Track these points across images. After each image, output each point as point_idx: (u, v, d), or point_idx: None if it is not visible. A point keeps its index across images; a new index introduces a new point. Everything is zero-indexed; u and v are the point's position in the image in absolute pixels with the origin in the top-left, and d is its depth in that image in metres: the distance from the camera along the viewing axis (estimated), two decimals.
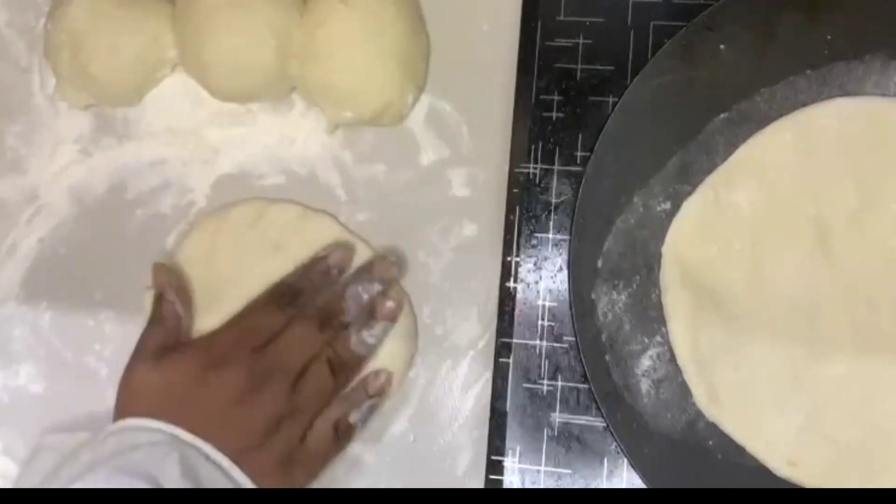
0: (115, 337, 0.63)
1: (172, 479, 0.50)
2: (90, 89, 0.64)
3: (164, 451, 0.52)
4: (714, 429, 0.55)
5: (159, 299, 0.60)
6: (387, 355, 0.60)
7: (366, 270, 0.60)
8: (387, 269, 0.60)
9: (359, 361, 0.59)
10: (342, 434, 0.58)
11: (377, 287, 0.59)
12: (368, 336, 0.59)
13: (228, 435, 0.54)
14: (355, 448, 0.60)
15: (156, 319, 0.59)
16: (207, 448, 0.53)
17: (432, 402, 0.60)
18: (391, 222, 0.63)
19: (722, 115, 0.57)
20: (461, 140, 0.63)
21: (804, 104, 0.57)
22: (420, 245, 0.62)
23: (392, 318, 0.59)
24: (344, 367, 0.58)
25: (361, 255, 0.62)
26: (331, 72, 0.61)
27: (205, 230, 0.63)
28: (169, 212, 0.65)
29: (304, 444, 0.56)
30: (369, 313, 0.59)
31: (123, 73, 0.63)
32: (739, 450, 0.55)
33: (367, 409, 0.58)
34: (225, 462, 0.53)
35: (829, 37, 0.56)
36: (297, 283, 0.60)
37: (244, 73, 0.62)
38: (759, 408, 0.55)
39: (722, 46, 0.55)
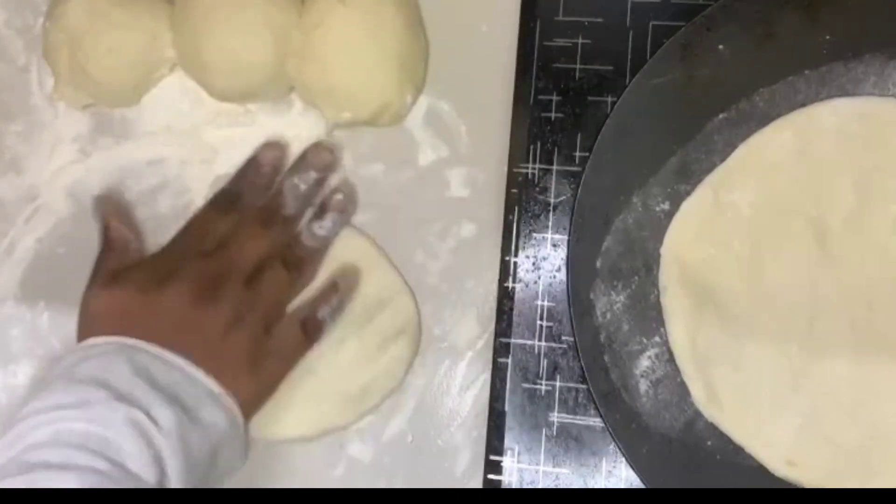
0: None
1: (123, 378, 0.50)
2: (88, 89, 0.64)
3: (111, 358, 0.52)
4: (713, 429, 0.55)
5: (107, 226, 0.61)
6: (387, 357, 0.60)
7: (299, 160, 0.61)
8: (319, 155, 0.61)
9: (312, 254, 0.60)
10: (312, 330, 0.58)
11: (313, 175, 0.60)
12: (318, 228, 0.59)
13: (186, 338, 0.54)
14: (354, 448, 0.60)
15: (106, 246, 0.60)
16: (156, 349, 0.53)
17: (431, 402, 0.60)
18: (390, 222, 0.62)
19: (721, 115, 0.57)
20: (460, 140, 0.63)
21: (803, 104, 0.57)
22: (418, 245, 0.62)
23: (341, 210, 0.60)
24: (298, 261, 0.59)
25: (360, 248, 0.61)
26: (329, 72, 0.61)
27: None
28: (167, 212, 0.64)
29: (270, 338, 0.57)
30: (321, 206, 0.60)
31: (122, 73, 0.63)
32: (738, 450, 0.55)
33: (336, 304, 0.59)
34: (179, 360, 0.53)
35: (828, 37, 0.56)
36: (233, 187, 0.61)
37: (243, 73, 0.62)
38: (758, 408, 0.55)
39: (721, 46, 0.55)
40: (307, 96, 0.63)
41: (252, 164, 0.62)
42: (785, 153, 0.57)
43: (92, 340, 0.54)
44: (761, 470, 0.54)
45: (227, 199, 0.60)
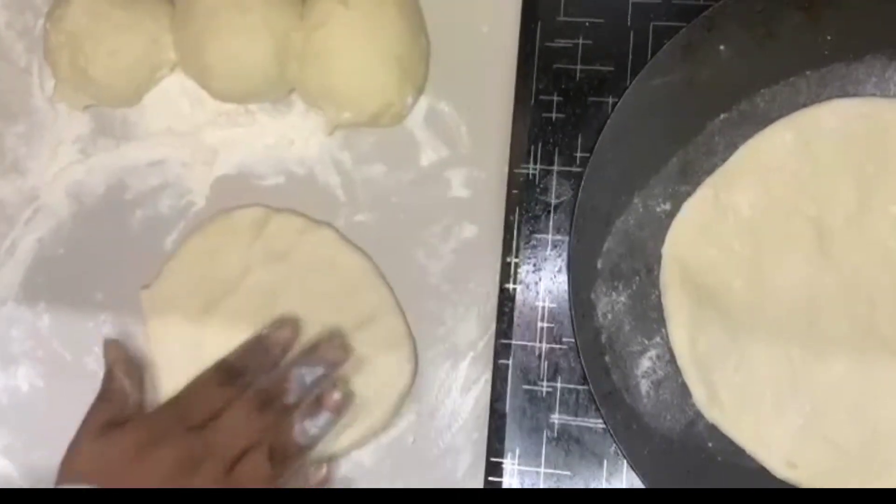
0: (114, 337, 0.63)
1: None
2: (89, 90, 0.64)
3: None
4: (714, 430, 0.55)
5: (109, 375, 0.60)
6: (380, 383, 0.59)
7: (311, 351, 0.59)
8: (332, 351, 0.59)
9: (300, 451, 0.57)
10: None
11: (321, 370, 0.58)
12: (312, 426, 0.57)
13: None
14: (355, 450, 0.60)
15: (103, 395, 0.59)
16: None
17: (432, 403, 0.60)
18: (390, 223, 0.62)
19: (722, 116, 0.57)
20: (460, 141, 0.63)
21: (804, 105, 0.57)
22: (419, 246, 0.62)
23: (337, 411, 0.57)
24: (284, 456, 0.56)
25: (357, 267, 0.61)
26: (330, 73, 0.61)
27: (205, 233, 0.63)
28: (168, 212, 0.64)
29: None
30: (316, 401, 0.57)
31: (122, 74, 0.63)
32: (739, 451, 0.55)
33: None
34: None
35: (829, 37, 0.55)
36: (237, 362, 0.59)
37: (243, 75, 0.62)
38: (759, 409, 0.55)
39: (722, 47, 0.55)
40: (308, 97, 0.63)
41: (261, 343, 0.59)
42: (786, 154, 0.57)
43: (70, 485, 0.54)
44: (762, 471, 0.54)
45: (229, 373, 0.58)
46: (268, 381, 0.58)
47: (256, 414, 0.56)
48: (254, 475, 0.55)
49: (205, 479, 0.54)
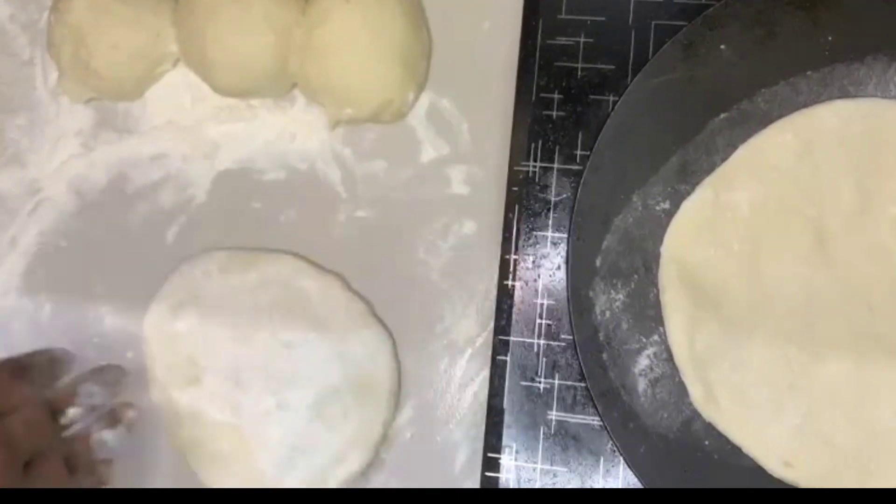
0: (115, 331, 0.64)
1: None
2: (92, 83, 0.64)
3: None
4: (710, 429, 0.55)
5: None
6: (359, 422, 0.59)
7: (98, 371, 0.59)
8: (113, 372, 0.60)
9: (96, 464, 0.57)
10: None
11: (104, 391, 0.58)
12: (109, 436, 0.58)
13: None
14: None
15: None
16: None
17: (430, 399, 0.61)
18: (390, 219, 0.63)
19: (722, 115, 0.57)
20: (461, 138, 0.63)
21: (804, 105, 0.57)
22: (419, 242, 0.62)
23: (131, 428, 0.58)
24: (82, 467, 0.56)
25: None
26: (332, 69, 0.61)
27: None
28: (169, 206, 0.65)
29: None
30: (111, 415, 0.58)
31: (125, 68, 0.64)
32: (735, 450, 0.55)
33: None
34: None
35: (829, 38, 0.55)
36: (24, 360, 0.57)
37: (245, 70, 0.62)
38: (756, 408, 0.55)
39: (723, 46, 0.55)
40: (310, 92, 0.63)
41: (52, 353, 0.59)
42: (786, 154, 0.57)
43: None
44: (758, 470, 0.54)
45: (21, 370, 0.56)
46: (56, 393, 0.57)
47: (48, 419, 0.55)
48: (51, 480, 0.54)
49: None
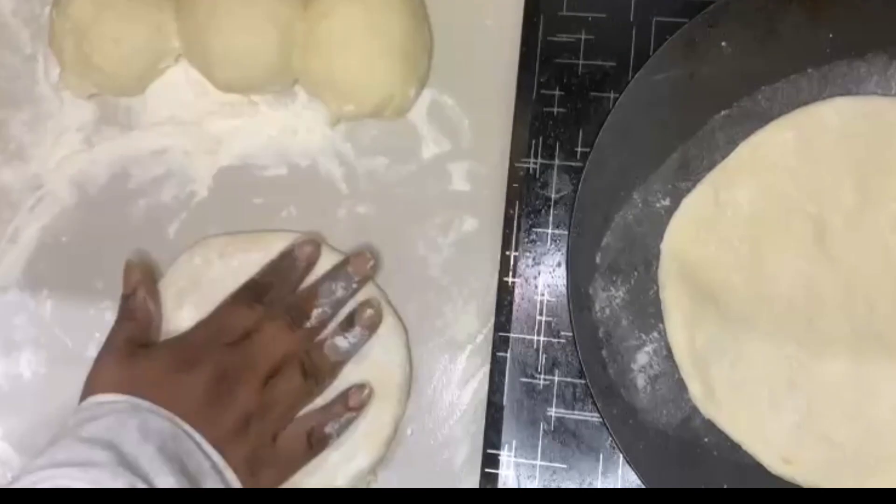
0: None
1: (131, 442, 0.50)
2: (94, 78, 0.64)
3: (122, 419, 0.52)
4: (710, 426, 0.55)
5: (130, 296, 0.60)
6: (371, 417, 0.59)
7: (341, 266, 0.60)
8: (361, 264, 0.60)
9: (332, 367, 0.58)
10: (315, 443, 0.57)
11: (353, 283, 0.59)
12: (343, 341, 0.58)
13: (196, 427, 0.53)
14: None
15: (125, 315, 0.59)
16: (169, 414, 0.53)
17: (430, 395, 0.61)
18: (391, 215, 0.63)
19: (723, 113, 0.57)
20: (462, 134, 0.63)
21: (805, 102, 0.57)
22: (419, 238, 0.62)
23: (371, 327, 0.59)
24: (317, 371, 0.58)
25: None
26: (333, 65, 0.61)
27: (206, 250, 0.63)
28: (171, 202, 0.65)
29: (274, 445, 0.56)
30: (348, 319, 0.59)
31: (127, 63, 0.64)
32: (735, 447, 0.55)
33: (344, 421, 0.58)
34: (187, 426, 0.53)
35: (830, 35, 0.55)
36: (264, 279, 0.60)
37: (247, 65, 0.62)
38: (756, 405, 0.55)
39: (724, 43, 0.55)
40: (311, 88, 0.63)
41: (287, 258, 0.60)
42: (786, 151, 0.57)
43: (101, 397, 0.54)
44: (758, 467, 0.55)
45: (256, 291, 0.59)
46: (297, 298, 0.59)
47: (287, 330, 0.57)
48: (288, 389, 0.57)
49: (241, 393, 0.55)
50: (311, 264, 0.60)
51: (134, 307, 0.59)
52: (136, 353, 0.57)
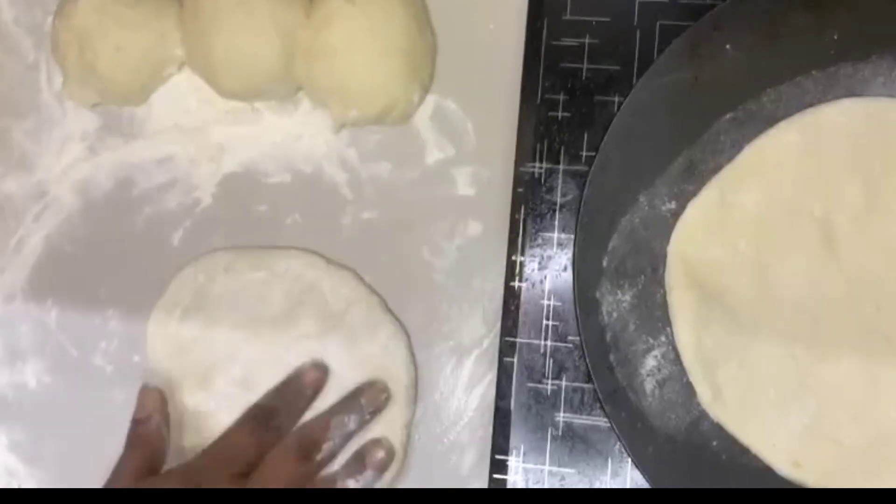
0: (121, 334, 0.64)
1: None
2: (97, 87, 0.64)
3: None
4: (718, 429, 0.55)
5: (143, 421, 0.58)
6: (383, 425, 0.59)
7: (352, 397, 0.58)
8: (376, 396, 0.58)
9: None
10: None
11: (365, 416, 0.58)
12: (353, 483, 0.57)
13: None
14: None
15: (137, 442, 0.58)
16: None
17: (437, 401, 0.61)
18: (396, 221, 0.63)
19: (728, 115, 0.57)
20: (467, 139, 0.63)
21: (811, 104, 0.57)
22: (425, 244, 0.62)
23: (381, 469, 0.58)
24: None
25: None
26: (337, 71, 0.61)
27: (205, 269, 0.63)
28: (175, 209, 0.65)
29: None
30: (358, 458, 0.58)
31: (130, 71, 0.64)
32: (744, 450, 0.55)
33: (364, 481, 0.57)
34: None
35: (835, 37, 0.55)
36: (270, 403, 0.58)
37: (250, 72, 0.62)
38: (764, 408, 0.55)
39: (728, 46, 0.55)
40: (315, 95, 0.63)
41: (293, 383, 0.59)
42: (792, 154, 0.57)
43: None
44: (767, 470, 0.54)
45: (265, 418, 0.58)
46: (308, 430, 0.57)
47: (297, 462, 0.56)
48: None
49: None
50: (317, 391, 0.59)
51: (147, 433, 0.58)
52: (145, 482, 0.55)
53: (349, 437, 0.58)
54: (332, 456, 0.57)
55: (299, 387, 0.59)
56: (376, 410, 0.58)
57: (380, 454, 0.58)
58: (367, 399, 0.58)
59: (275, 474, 0.55)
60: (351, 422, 0.57)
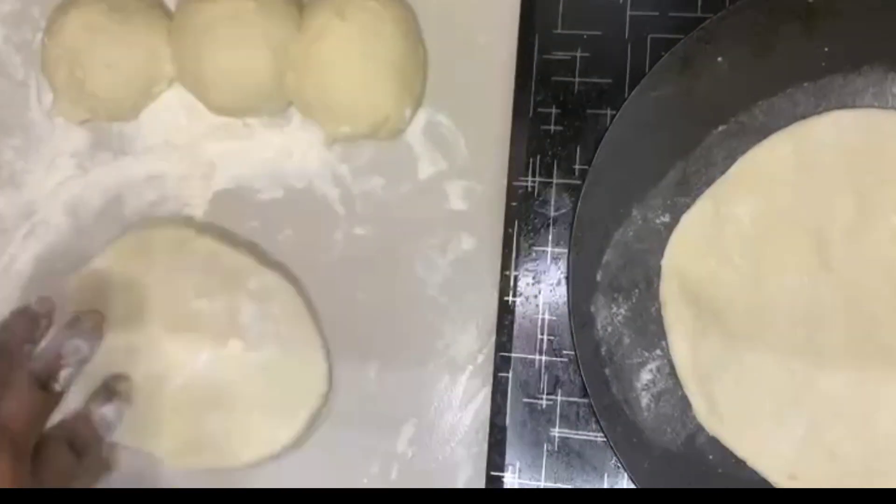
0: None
1: None
2: (87, 104, 0.64)
3: None
4: (714, 443, 0.55)
5: None
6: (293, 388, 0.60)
7: (74, 322, 0.57)
8: (97, 318, 0.58)
9: (100, 440, 0.58)
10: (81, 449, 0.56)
11: (93, 339, 0.57)
12: (110, 414, 0.58)
13: None
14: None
15: None
16: None
17: (430, 417, 0.60)
18: (389, 236, 0.62)
19: (720, 128, 0.57)
20: (459, 153, 0.63)
21: (803, 116, 0.57)
22: (417, 259, 0.62)
23: (128, 398, 0.59)
24: (86, 446, 0.56)
25: (276, 287, 0.61)
26: (328, 86, 0.61)
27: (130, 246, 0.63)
28: None
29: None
30: (105, 388, 0.59)
31: (120, 88, 0.63)
32: (740, 463, 0.55)
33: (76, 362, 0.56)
34: None
35: (826, 49, 0.55)
36: (4, 334, 0.55)
37: (241, 88, 0.62)
38: (760, 421, 0.55)
39: (720, 59, 0.55)
40: (306, 110, 0.63)
41: (26, 314, 0.56)
42: (785, 165, 0.57)
43: None
44: (763, 484, 0.54)
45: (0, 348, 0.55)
46: (43, 357, 0.55)
47: (40, 392, 0.53)
48: (60, 466, 0.54)
49: (4, 466, 0.50)
50: (51, 321, 0.57)
51: None
52: None
53: (84, 362, 0.57)
54: (69, 384, 0.56)
55: (33, 316, 0.56)
56: (97, 327, 0.58)
57: (123, 384, 0.59)
58: (91, 322, 0.58)
59: (19, 406, 0.52)
60: (84, 346, 0.56)
